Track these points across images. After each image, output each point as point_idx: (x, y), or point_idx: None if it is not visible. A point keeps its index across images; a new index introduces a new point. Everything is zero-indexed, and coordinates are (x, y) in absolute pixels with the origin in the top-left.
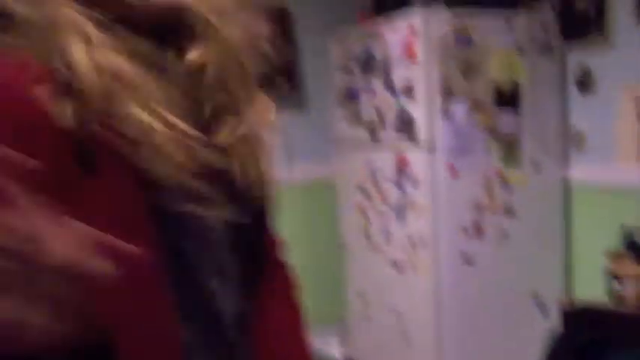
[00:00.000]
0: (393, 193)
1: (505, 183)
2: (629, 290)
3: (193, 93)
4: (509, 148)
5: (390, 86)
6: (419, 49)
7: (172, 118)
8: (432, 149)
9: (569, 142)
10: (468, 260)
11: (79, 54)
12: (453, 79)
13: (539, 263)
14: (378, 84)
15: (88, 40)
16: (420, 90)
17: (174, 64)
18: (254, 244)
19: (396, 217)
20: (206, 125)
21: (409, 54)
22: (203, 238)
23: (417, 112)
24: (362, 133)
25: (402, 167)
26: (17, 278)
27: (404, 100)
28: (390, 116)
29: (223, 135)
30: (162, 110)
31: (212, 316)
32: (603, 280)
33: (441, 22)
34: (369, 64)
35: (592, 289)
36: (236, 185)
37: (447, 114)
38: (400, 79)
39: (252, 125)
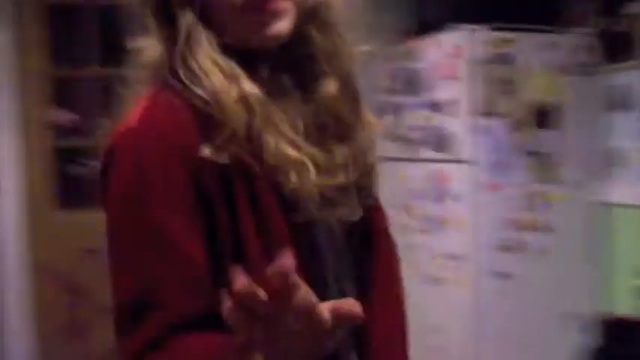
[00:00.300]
0: (431, 209)
1: (545, 200)
2: None
3: (316, 120)
4: (549, 167)
5: (432, 104)
6: (461, 68)
7: (304, 144)
8: (472, 165)
9: (610, 161)
10: (506, 276)
11: (223, 89)
12: (494, 98)
13: (578, 281)
14: (419, 101)
15: (229, 76)
16: (461, 107)
17: (299, 95)
18: (365, 232)
19: (435, 232)
20: (327, 148)
21: (452, 72)
22: (328, 236)
23: (458, 128)
24: (401, 149)
25: (441, 183)
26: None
27: (445, 118)
28: (431, 133)
29: (340, 157)
30: (295, 137)
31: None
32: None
33: (483, 41)
34: (412, 82)
35: (629, 307)
36: (354, 192)
37: (487, 131)
38: (443, 97)
39: (364, 145)
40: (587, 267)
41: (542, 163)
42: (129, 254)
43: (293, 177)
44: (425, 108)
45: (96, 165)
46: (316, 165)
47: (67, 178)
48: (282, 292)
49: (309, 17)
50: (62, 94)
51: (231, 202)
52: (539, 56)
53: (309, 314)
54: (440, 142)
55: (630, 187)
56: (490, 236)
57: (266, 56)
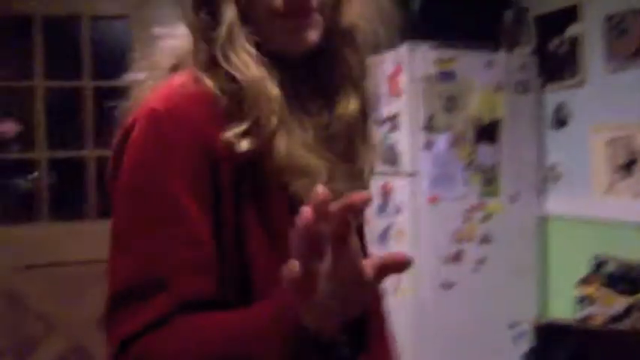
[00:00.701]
0: (375, 221)
1: (484, 213)
2: (598, 312)
3: (326, 135)
4: (488, 180)
5: (376, 119)
6: (404, 85)
7: (322, 156)
8: (414, 178)
9: (545, 175)
10: (447, 286)
11: (260, 78)
12: (435, 114)
13: (516, 290)
14: None
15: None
16: (405, 123)
17: (315, 107)
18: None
19: (379, 242)
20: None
21: (395, 89)
22: None
23: (402, 143)
24: None
25: (385, 195)
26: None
27: (390, 132)
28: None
29: (345, 175)
30: (315, 150)
31: None
32: (576, 306)
33: (426, 59)
34: None
35: (565, 315)
36: None
37: (429, 145)
38: (387, 113)
39: (365, 166)
40: (524, 277)
41: (482, 177)
42: (136, 230)
43: (301, 180)
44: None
45: (40, 176)
46: (329, 174)
47: (6, 191)
48: (342, 225)
49: (344, 37)
50: (5, 104)
51: (238, 194)
52: (479, 74)
53: (355, 263)
54: (385, 156)
55: (563, 199)
56: (431, 247)
57: (290, 64)
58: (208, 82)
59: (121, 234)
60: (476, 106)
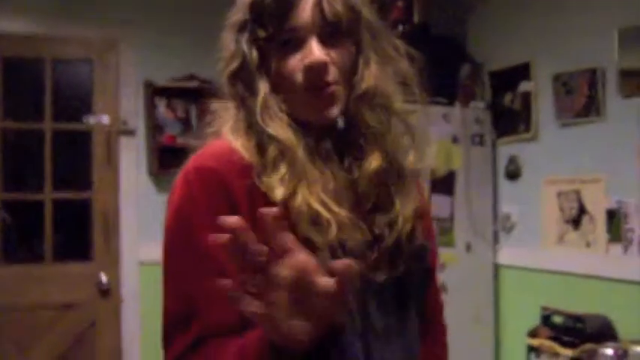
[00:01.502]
0: None
1: (439, 262)
2: None
3: (359, 189)
4: (443, 230)
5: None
6: None
7: (336, 208)
8: None
9: (499, 225)
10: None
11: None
12: None
13: (472, 338)
14: None
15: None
16: None
17: (339, 163)
18: (418, 300)
19: None
20: (367, 214)
21: None
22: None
23: None
24: None
25: None
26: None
27: None
28: None
29: (379, 225)
30: (330, 202)
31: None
32: (526, 356)
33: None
34: None
35: None
36: (397, 252)
37: None
38: None
39: (404, 214)
40: (480, 325)
41: (438, 227)
42: (176, 270)
43: (309, 228)
44: None
45: None
46: (339, 224)
47: None
48: (276, 241)
49: (362, 100)
50: None
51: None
52: (434, 127)
53: (303, 273)
54: None
55: (515, 250)
56: None
57: (317, 129)
58: (236, 143)
59: (165, 279)
60: (432, 157)
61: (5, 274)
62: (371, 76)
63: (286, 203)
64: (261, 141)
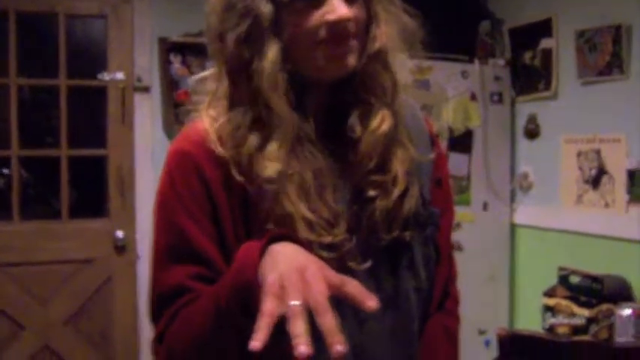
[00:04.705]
0: None
1: (455, 221)
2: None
3: (361, 148)
4: (460, 189)
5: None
6: None
7: (305, 210)
8: None
9: (516, 185)
10: None
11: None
12: None
13: (487, 298)
14: None
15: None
16: None
17: (354, 127)
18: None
19: None
20: (363, 203)
21: None
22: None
23: None
24: None
25: None
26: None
27: None
28: None
29: (374, 190)
30: (299, 202)
31: None
32: (542, 315)
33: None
34: None
35: (532, 324)
36: (392, 215)
37: None
38: None
39: (401, 171)
40: (496, 284)
41: (454, 186)
42: (159, 252)
43: (278, 227)
44: None
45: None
46: (309, 225)
47: None
48: None
49: (376, 58)
50: None
51: (233, 212)
52: (453, 84)
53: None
54: None
55: (533, 209)
56: None
57: (325, 86)
58: (211, 129)
59: (152, 257)
60: (449, 115)
61: (23, 230)
62: (382, 34)
63: (260, 198)
64: (249, 118)
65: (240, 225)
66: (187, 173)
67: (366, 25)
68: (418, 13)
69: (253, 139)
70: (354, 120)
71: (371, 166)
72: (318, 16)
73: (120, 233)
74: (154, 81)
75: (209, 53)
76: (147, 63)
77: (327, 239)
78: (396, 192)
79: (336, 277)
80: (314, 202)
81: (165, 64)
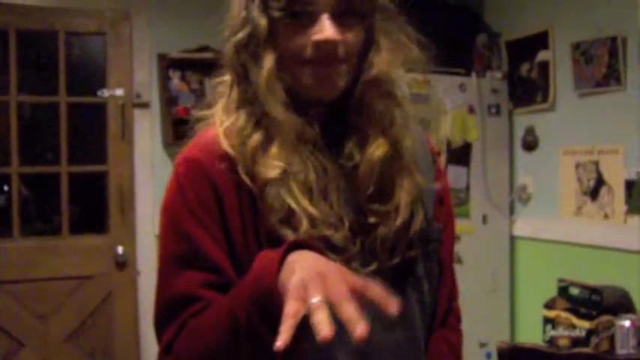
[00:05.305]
0: None
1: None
2: (563, 335)
3: (359, 176)
4: (459, 201)
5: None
6: None
7: (308, 205)
8: None
9: (515, 197)
10: None
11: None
12: None
13: (488, 310)
14: None
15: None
16: None
17: (353, 152)
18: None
19: None
20: (365, 202)
21: None
22: None
23: None
24: None
25: None
26: None
27: None
28: None
29: (375, 213)
30: (303, 198)
31: None
32: (542, 327)
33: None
34: None
35: (534, 336)
36: (394, 240)
37: None
38: None
39: (405, 203)
40: (494, 297)
41: (453, 198)
42: (166, 262)
43: (284, 226)
44: None
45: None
46: (311, 221)
47: None
48: None
49: (371, 85)
50: None
51: (243, 218)
52: (450, 97)
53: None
54: None
55: (532, 221)
56: None
57: (320, 108)
58: (220, 130)
59: (159, 265)
60: (448, 128)
61: (23, 247)
62: (381, 62)
63: (264, 196)
64: (254, 119)
65: (250, 226)
66: (196, 181)
67: (364, 51)
68: (432, 45)
69: (257, 139)
70: (351, 147)
71: (370, 192)
72: (306, 36)
73: (120, 249)
74: (154, 97)
75: (222, 59)
76: (146, 79)
77: (330, 233)
78: (399, 221)
79: (359, 281)
80: (317, 200)
81: (164, 80)
